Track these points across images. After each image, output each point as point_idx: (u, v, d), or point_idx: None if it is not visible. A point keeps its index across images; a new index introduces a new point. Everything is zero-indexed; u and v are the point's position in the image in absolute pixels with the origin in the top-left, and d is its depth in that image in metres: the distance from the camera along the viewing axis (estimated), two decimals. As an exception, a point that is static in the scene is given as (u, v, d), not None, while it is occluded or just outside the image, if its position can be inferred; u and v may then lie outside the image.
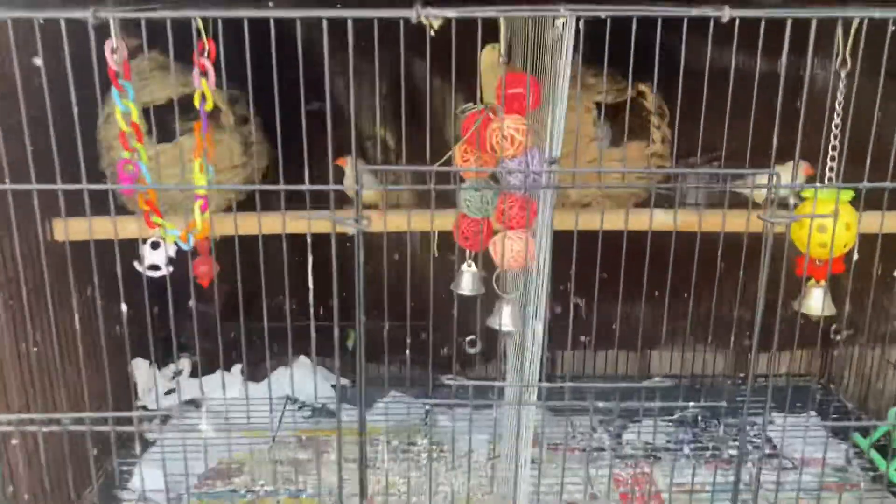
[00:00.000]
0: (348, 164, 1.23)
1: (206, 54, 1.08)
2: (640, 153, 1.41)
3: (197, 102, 1.10)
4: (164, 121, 1.34)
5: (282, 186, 1.02)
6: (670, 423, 1.72)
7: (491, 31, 1.10)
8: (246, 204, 1.54)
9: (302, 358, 1.78)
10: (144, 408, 1.66)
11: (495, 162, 1.05)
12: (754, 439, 1.66)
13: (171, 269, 1.16)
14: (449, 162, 1.11)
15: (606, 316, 1.79)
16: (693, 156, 1.57)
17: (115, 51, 1.04)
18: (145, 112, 1.41)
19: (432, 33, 0.78)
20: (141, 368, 1.66)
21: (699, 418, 1.74)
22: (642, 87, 1.41)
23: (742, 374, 1.88)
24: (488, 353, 1.83)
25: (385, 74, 1.62)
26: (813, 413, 1.72)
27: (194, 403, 1.76)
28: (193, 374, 1.79)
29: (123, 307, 0.95)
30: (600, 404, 0.89)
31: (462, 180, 1.13)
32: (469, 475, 1.46)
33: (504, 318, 1.06)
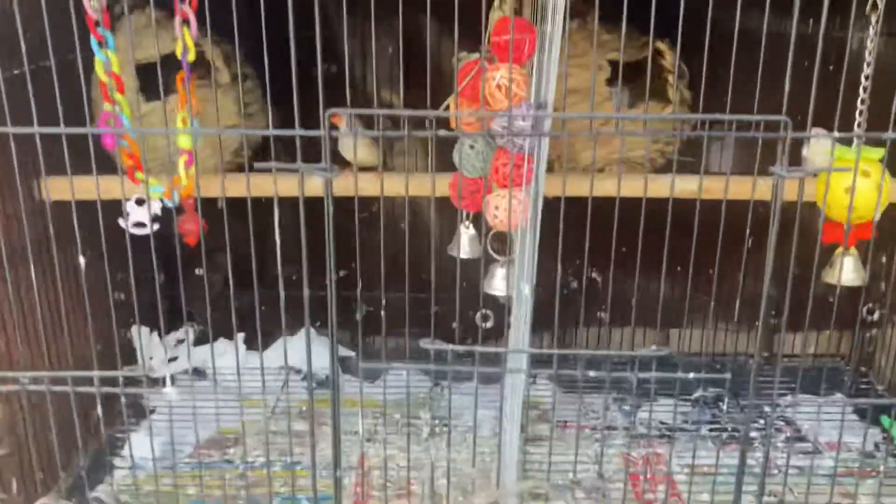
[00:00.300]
0: (343, 121, 1.17)
1: (187, 2, 1.03)
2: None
3: (179, 53, 1.05)
4: (156, 79, 1.30)
5: (271, 131, 0.96)
6: (688, 403, 1.64)
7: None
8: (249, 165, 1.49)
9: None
10: (147, 376, 1.62)
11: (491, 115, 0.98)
12: (778, 422, 1.58)
13: (157, 226, 1.11)
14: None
15: (624, 291, 1.71)
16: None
17: (92, -4, 0.99)
18: (141, 70, 1.37)
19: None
20: (142, 335, 1.62)
21: (721, 399, 1.66)
22: (661, 45, 1.32)
23: (767, 354, 1.78)
24: (497, 328, 1.76)
25: (389, 33, 1.55)
26: (841, 396, 1.63)
27: (198, 372, 1.72)
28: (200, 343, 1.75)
29: (82, 260, 0.90)
30: (591, 373, 0.82)
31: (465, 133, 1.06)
32: (470, 451, 1.40)
33: (497, 283, 1.00)
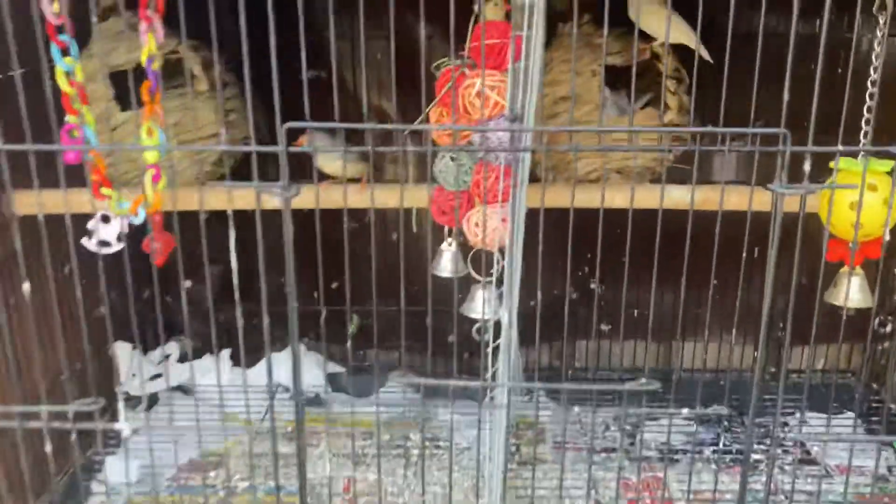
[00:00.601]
0: (306, 140, 1.11)
1: (151, 6, 0.98)
2: (652, 123, 1.26)
3: (144, 60, 0.99)
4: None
5: (224, 146, 0.90)
6: (691, 422, 1.57)
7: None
8: (235, 177, 1.43)
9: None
10: (127, 394, 1.57)
11: (471, 125, 0.92)
12: (786, 443, 1.51)
13: (123, 244, 1.06)
14: (424, 124, 0.98)
15: (627, 303, 1.64)
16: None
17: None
18: (116, 77, 1.32)
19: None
20: (124, 352, 1.57)
21: (724, 417, 1.59)
22: (657, 48, 1.25)
23: (773, 370, 1.71)
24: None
25: (380, 35, 1.49)
26: (852, 414, 1.55)
27: (182, 390, 1.67)
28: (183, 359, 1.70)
29: (26, 286, 0.84)
30: (576, 409, 0.75)
31: (437, 147, 1.00)
32: (448, 475, 1.34)
33: (478, 305, 0.93)
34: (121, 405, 0.84)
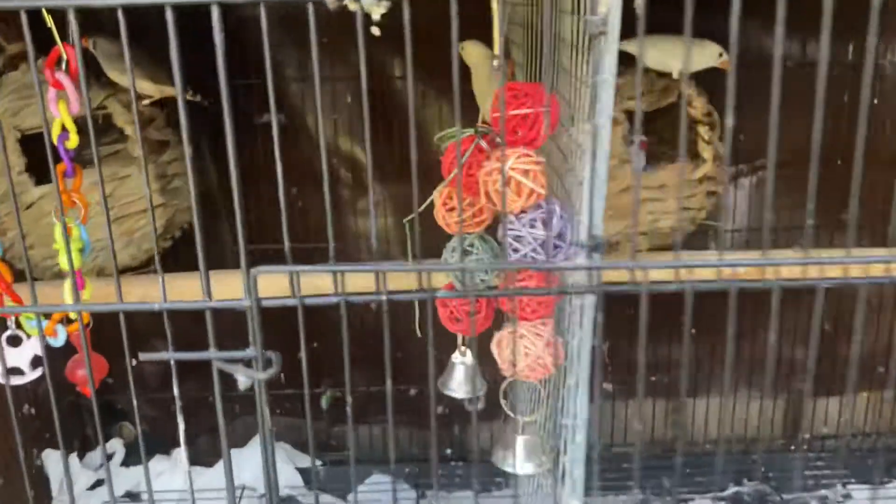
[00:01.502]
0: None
1: (62, 66, 0.74)
2: (685, 178, 1.06)
3: (55, 136, 0.76)
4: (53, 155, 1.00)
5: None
6: (723, 502, 1.38)
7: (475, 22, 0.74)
8: (176, 251, 1.20)
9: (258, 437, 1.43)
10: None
11: (492, 216, 0.71)
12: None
13: (39, 371, 0.82)
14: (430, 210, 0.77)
15: (631, 357, 1.44)
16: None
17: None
18: (27, 142, 1.07)
19: (376, 31, 0.43)
20: (53, 459, 1.32)
21: (760, 495, 1.40)
22: (689, 89, 1.06)
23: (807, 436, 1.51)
24: (490, 409, 1.49)
25: (348, 72, 1.28)
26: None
27: (130, 496, 1.42)
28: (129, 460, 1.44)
29: None
30: None
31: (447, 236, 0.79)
32: None
33: (519, 454, 0.72)
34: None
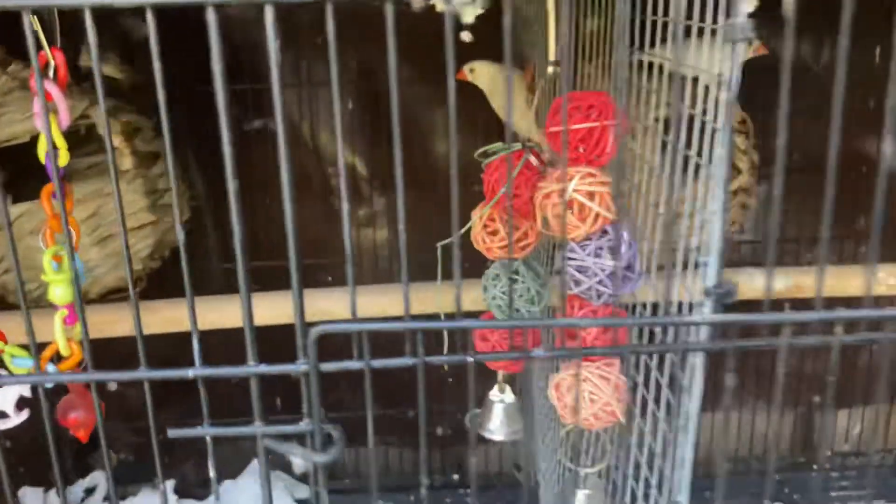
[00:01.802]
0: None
1: (51, 73, 0.65)
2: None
3: (41, 154, 0.67)
4: (30, 166, 0.90)
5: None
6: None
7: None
8: (166, 272, 1.10)
9: (254, 465, 1.34)
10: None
11: (537, 239, 0.63)
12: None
13: (25, 414, 0.72)
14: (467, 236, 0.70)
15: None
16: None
17: None
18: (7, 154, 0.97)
19: (467, 36, 0.36)
20: (31, 498, 1.22)
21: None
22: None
23: (829, 453, 1.45)
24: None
25: (349, 80, 1.20)
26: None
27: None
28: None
29: None
30: None
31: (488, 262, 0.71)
32: None
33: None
34: None
